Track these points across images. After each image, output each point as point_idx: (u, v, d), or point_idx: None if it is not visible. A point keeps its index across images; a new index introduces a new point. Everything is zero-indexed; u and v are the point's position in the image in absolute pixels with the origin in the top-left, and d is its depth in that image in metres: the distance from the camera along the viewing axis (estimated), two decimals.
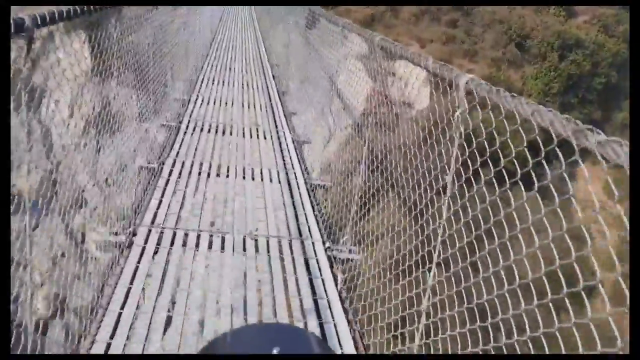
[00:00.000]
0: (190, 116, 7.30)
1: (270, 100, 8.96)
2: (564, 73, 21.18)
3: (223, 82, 9.85)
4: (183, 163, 5.58)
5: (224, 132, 6.91)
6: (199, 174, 5.38)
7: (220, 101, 8.43)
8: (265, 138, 6.83)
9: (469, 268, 2.24)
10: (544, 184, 1.74)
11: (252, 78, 10.61)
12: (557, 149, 1.61)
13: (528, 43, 23.04)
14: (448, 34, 23.19)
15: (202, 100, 8.23)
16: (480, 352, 2.10)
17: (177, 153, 5.84)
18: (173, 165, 5.53)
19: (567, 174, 1.69)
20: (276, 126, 7.49)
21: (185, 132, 6.56)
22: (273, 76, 10.92)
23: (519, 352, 2.04)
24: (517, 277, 1.90)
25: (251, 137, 6.80)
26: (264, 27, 15.54)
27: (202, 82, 9.45)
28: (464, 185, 2.39)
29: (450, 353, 2.50)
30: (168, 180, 5.15)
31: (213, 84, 9.56)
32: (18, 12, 2.16)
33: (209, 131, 6.86)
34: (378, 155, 3.98)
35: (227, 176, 5.44)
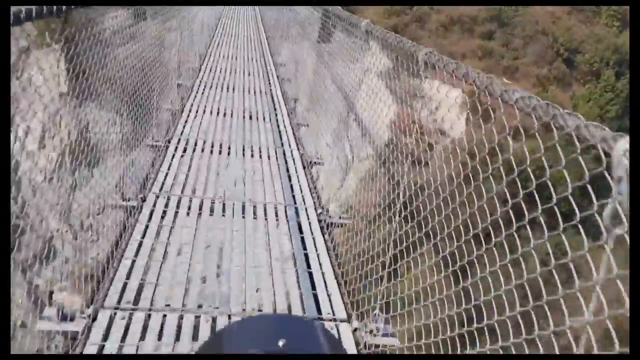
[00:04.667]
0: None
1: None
2: (622, 94, 20.53)
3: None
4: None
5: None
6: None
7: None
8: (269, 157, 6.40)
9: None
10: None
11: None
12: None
13: (577, 58, 22.64)
14: (484, 48, 22.94)
15: None
16: None
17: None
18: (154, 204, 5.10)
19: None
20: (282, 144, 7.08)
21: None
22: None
23: None
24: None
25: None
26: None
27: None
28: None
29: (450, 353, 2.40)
30: (147, 225, 4.69)
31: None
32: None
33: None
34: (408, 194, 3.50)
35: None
